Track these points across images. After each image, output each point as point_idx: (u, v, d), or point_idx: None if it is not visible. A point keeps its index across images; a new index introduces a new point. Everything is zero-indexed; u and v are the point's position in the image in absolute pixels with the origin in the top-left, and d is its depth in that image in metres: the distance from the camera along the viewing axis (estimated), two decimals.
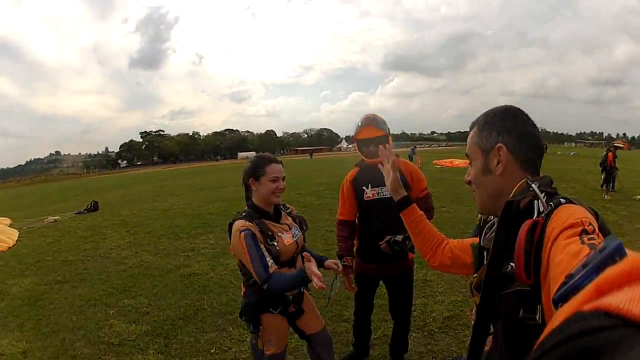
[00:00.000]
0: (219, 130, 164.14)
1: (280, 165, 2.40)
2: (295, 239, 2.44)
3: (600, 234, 0.80)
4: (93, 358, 3.29)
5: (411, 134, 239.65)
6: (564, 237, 0.79)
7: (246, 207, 2.44)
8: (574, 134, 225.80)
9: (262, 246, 2.20)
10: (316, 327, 2.63)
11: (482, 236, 1.27)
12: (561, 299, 0.50)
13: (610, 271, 0.35)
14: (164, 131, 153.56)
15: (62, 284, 5.36)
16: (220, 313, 4.14)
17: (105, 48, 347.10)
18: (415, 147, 34.70)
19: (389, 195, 2.77)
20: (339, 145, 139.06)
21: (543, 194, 0.97)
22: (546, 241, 0.85)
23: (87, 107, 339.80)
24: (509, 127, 1.15)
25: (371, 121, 2.81)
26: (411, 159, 25.16)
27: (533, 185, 1.00)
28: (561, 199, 0.94)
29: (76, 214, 12.48)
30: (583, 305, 0.33)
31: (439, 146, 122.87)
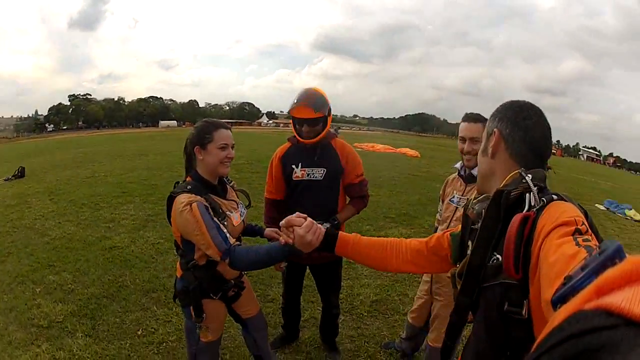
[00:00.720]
0: (143, 97, 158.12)
1: (230, 131, 2.20)
2: (242, 218, 2.28)
3: (593, 234, 0.81)
4: (27, 343, 3.41)
5: (333, 115, 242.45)
6: (556, 236, 0.80)
7: (188, 179, 2.17)
8: None
9: (216, 219, 2.00)
10: (253, 311, 2.54)
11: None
12: (560, 300, 0.52)
13: (611, 272, 0.35)
14: (91, 95, 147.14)
15: None
16: (143, 290, 4.33)
17: (49, 6, 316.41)
18: (339, 129, 35.02)
19: (319, 178, 2.71)
20: (259, 120, 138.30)
21: (536, 187, 0.98)
22: (536, 237, 0.86)
23: (24, 68, 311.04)
24: (508, 116, 1.18)
25: (310, 101, 2.61)
26: None
27: (527, 177, 1.01)
28: (553, 195, 0.95)
29: (5, 180, 12.21)
30: (584, 304, 0.34)
31: (360, 129, 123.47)
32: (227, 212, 2.14)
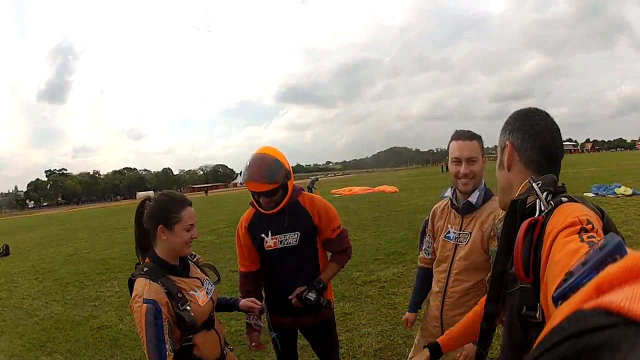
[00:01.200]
0: (118, 169, 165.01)
1: (192, 207, 2.02)
2: (210, 296, 2.07)
3: (600, 232, 0.80)
4: None
5: (306, 165, 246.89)
6: (563, 236, 0.80)
7: (147, 260, 1.99)
8: None
9: (165, 327, 1.81)
10: None
11: (497, 229, 1.28)
12: (561, 297, 0.52)
13: (611, 269, 0.35)
14: (66, 170, 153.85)
15: None
16: None
17: (17, 76, 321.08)
18: (317, 179, 32.41)
19: (294, 243, 2.49)
20: (234, 182, 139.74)
21: (544, 193, 0.99)
22: (545, 240, 0.86)
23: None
24: (517, 126, 1.19)
25: (261, 173, 2.33)
26: (310, 192, 26.38)
27: (534, 184, 1.02)
28: (562, 198, 0.96)
29: None
30: (584, 303, 0.34)
31: (335, 175, 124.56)
32: (191, 292, 1.96)
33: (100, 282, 8.12)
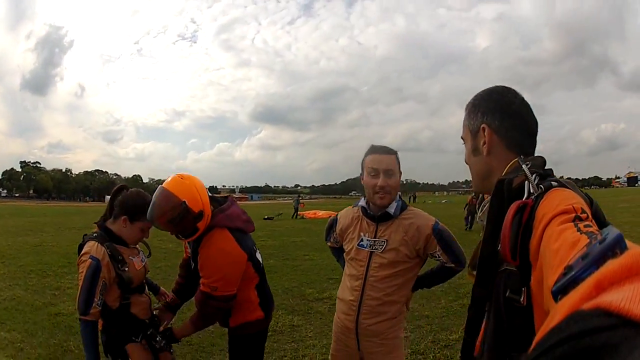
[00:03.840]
0: (89, 170, 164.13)
1: None
2: (144, 264, 2.41)
3: (594, 221, 0.77)
4: None
5: (274, 186, 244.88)
6: (557, 223, 0.78)
7: (97, 228, 2.36)
8: (446, 183, 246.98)
9: (99, 284, 2.12)
10: None
11: (478, 211, 1.26)
12: (560, 291, 0.51)
13: (610, 265, 0.35)
14: (40, 164, 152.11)
15: None
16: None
17: (6, 62, 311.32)
18: (300, 197, 34.37)
19: (192, 266, 2.45)
20: None
21: (534, 175, 0.95)
22: (536, 225, 0.84)
23: None
24: (492, 107, 1.15)
25: (157, 218, 2.19)
26: (296, 210, 27.19)
27: (524, 166, 0.98)
28: (552, 182, 0.92)
29: None
30: (583, 302, 0.33)
31: (302, 199, 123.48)
32: (130, 257, 2.31)
33: (62, 274, 8.29)
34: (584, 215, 0.77)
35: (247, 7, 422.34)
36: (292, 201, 31.02)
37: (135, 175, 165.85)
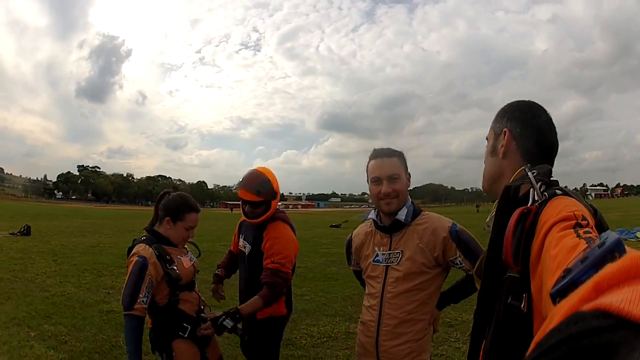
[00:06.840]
0: (152, 175, 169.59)
1: (198, 214, 2.47)
2: (192, 263, 2.49)
3: (594, 229, 0.79)
4: None
5: (342, 194, 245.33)
6: (557, 229, 0.79)
7: (145, 233, 2.47)
8: None
9: (145, 281, 2.17)
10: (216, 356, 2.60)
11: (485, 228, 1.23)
12: (559, 294, 0.50)
13: (609, 268, 0.35)
14: (99, 168, 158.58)
15: None
16: None
17: (58, 69, 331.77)
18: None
19: (246, 253, 2.73)
20: None
21: (539, 183, 0.98)
22: (538, 231, 0.85)
23: (33, 129, 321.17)
24: (517, 115, 1.21)
25: (252, 185, 2.59)
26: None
27: (529, 173, 1.02)
28: (557, 190, 0.95)
29: (10, 234, 13.07)
30: (582, 304, 0.33)
31: (368, 206, 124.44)
32: (178, 256, 2.41)
33: (119, 274, 7.97)
34: (584, 223, 0.79)
35: (309, 15, 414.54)
36: (358, 208, 30.65)
37: (200, 181, 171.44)
